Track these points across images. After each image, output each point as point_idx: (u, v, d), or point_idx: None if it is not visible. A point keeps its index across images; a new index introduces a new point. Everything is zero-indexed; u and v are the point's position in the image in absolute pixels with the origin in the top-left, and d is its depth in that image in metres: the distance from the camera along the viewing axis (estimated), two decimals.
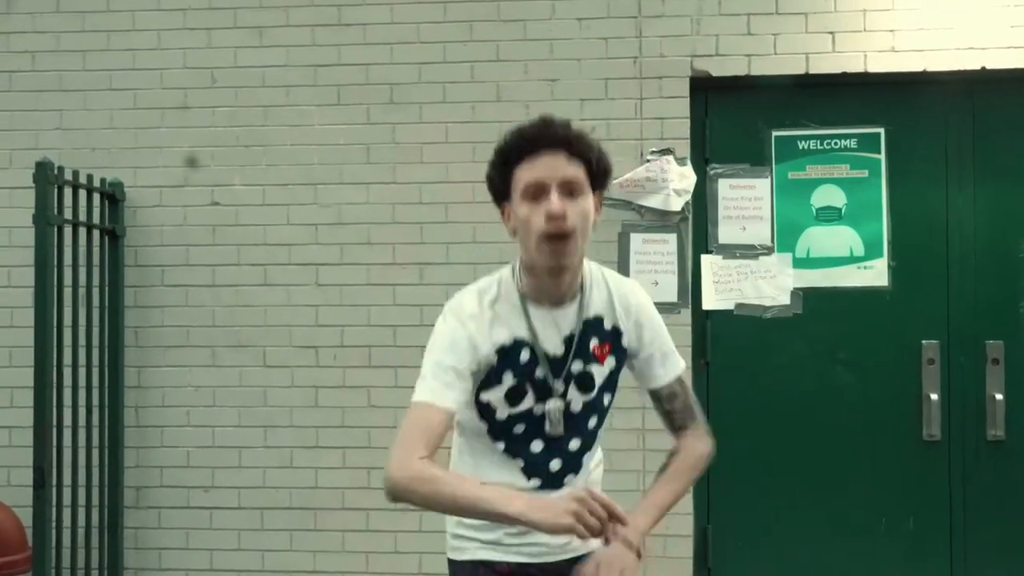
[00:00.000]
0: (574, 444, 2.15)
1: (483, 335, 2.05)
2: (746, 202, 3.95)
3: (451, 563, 2.25)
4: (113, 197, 4.00)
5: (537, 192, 1.97)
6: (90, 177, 3.86)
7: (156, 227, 4.07)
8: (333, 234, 4.00)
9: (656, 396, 2.23)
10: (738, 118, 3.98)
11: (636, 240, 3.89)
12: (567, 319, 2.12)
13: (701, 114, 3.98)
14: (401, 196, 3.97)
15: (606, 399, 2.18)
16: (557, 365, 2.11)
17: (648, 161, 3.86)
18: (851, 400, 3.91)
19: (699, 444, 2.22)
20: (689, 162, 3.87)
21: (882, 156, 3.92)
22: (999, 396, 3.83)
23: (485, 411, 2.12)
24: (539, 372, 2.10)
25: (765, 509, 3.92)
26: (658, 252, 3.88)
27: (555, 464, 2.14)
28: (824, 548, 3.90)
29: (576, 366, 2.12)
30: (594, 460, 2.26)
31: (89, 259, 3.87)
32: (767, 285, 3.92)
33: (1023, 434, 3.85)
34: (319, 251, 4.01)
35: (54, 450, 3.58)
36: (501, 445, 2.14)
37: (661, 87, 3.92)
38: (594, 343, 2.14)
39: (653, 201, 3.85)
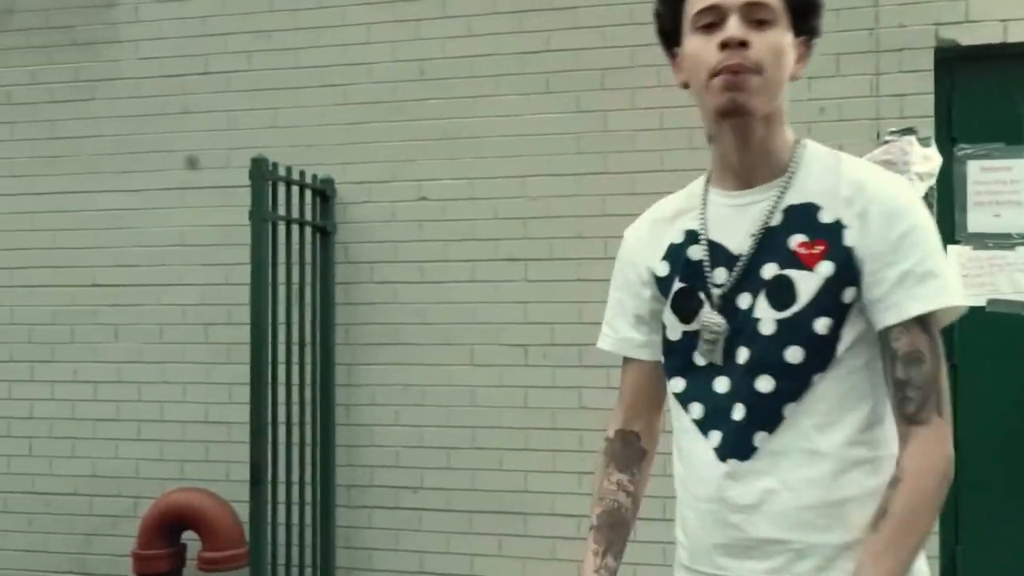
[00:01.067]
0: (764, 384, 1.50)
1: (653, 242, 1.67)
2: (1001, 185, 3.54)
3: None
4: (324, 194, 3.99)
5: (713, 19, 1.50)
6: (302, 174, 3.86)
7: (365, 223, 4.04)
8: (542, 228, 3.85)
9: (888, 352, 1.47)
10: (990, 92, 3.58)
11: None
12: (762, 207, 1.56)
13: (947, 89, 3.58)
14: (613, 187, 3.77)
15: (820, 325, 1.48)
16: (742, 267, 1.55)
17: (887, 143, 3.50)
18: None
19: (930, 465, 1.43)
20: (934, 143, 3.48)
21: None
22: None
23: (663, 337, 1.65)
24: (719, 275, 1.56)
25: (1013, 526, 3.50)
26: None
27: (738, 411, 1.53)
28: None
29: (769, 269, 1.53)
30: (826, 434, 1.49)
31: (301, 256, 3.87)
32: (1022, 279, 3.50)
33: None
34: (528, 246, 3.87)
35: (269, 447, 3.59)
36: (679, 384, 1.62)
37: (901, 60, 3.55)
38: (799, 240, 1.52)
39: None
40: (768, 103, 1.51)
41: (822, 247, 1.50)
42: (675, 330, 1.62)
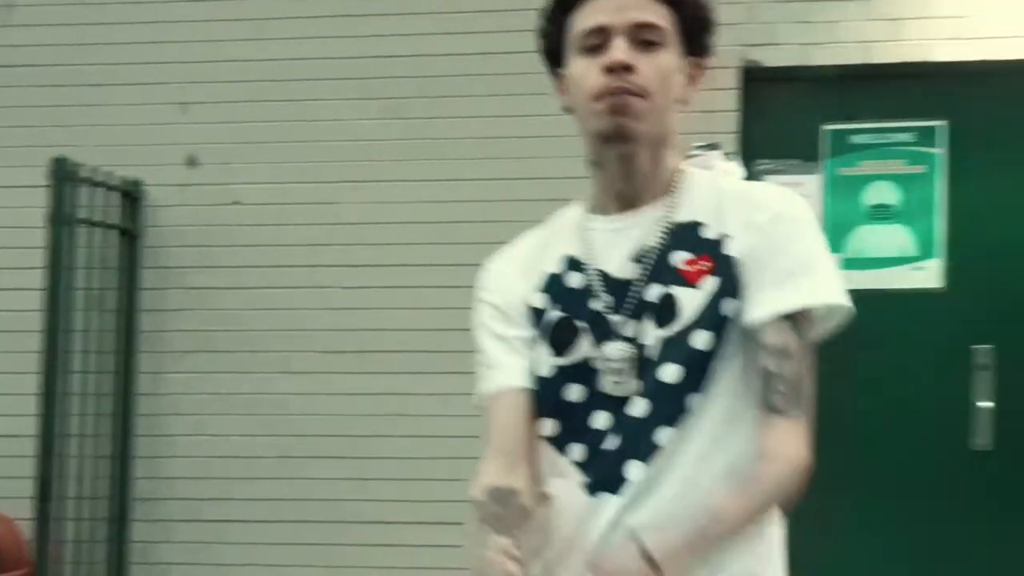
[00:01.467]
0: (638, 408, 1.42)
1: (526, 276, 1.54)
2: None
3: None
4: (131, 196, 3.85)
5: (598, 41, 1.44)
6: (108, 174, 3.71)
7: (175, 227, 3.90)
8: (365, 234, 3.80)
9: (759, 344, 1.43)
10: (788, 111, 3.77)
11: None
12: (644, 229, 1.49)
13: (750, 107, 3.74)
14: (431, 194, 3.76)
15: (700, 340, 1.41)
16: (623, 291, 1.47)
17: (692, 157, 3.61)
18: (898, 408, 3.69)
19: (790, 448, 1.41)
20: (736, 158, 3.62)
21: (942, 151, 3.67)
22: (986, 404, 3.61)
23: (531, 371, 1.51)
24: (595, 303, 1.47)
25: (809, 522, 3.64)
26: None
27: (611, 441, 1.43)
28: (867, 562, 3.67)
29: (653, 291, 1.45)
30: (710, 463, 1.41)
31: (104, 260, 3.73)
32: None
33: (1009, 444, 3.61)
34: (348, 252, 3.81)
35: (60, 461, 3.42)
36: (550, 427, 1.48)
37: (709, 78, 3.66)
38: (683, 257, 1.46)
39: None
40: (653, 128, 1.45)
41: (707, 262, 1.45)
42: (546, 366, 1.49)
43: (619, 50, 1.41)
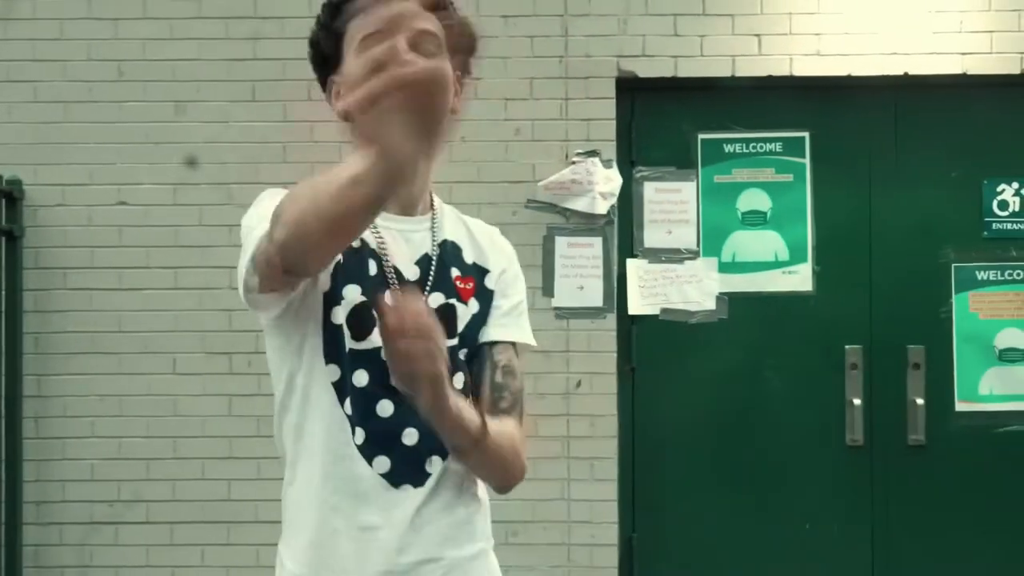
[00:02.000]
0: None
1: None
2: (672, 205, 3.90)
3: None
4: (11, 195, 3.79)
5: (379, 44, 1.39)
6: None
7: (58, 227, 3.87)
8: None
9: (490, 359, 1.63)
10: (664, 120, 3.94)
11: (561, 243, 3.81)
12: (420, 236, 1.62)
13: (627, 116, 3.92)
14: None
15: (462, 355, 1.61)
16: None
17: (574, 163, 3.79)
18: (776, 405, 3.89)
19: (519, 444, 1.62)
20: (615, 165, 3.81)
21: (807, 160, 3.91)
22: (920, 401, 3.85)
23: (335, 343, 1.54)
24: (389, 298, 1.52)
25: (691, 517, 3.88)
26: (583, 256, 3.81)
27: (410, 436, 1.55)
28: (749, 555, 3.87)
29: (436, 298, 1.59)
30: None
31: None
32: (693, 290, 3.88)
33: (943, 439, 3.87)
34: (234, 253, 3.83)
35: None
36: (340, 409, 1.54)
37: (587, 88, 3.85)
38: (455, 273, 1.62)
39: (579, 204, 3.78)
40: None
41: (472, 284, 1.63)
42: (346, 345, 1.54)
43: (402, 47, 1.31)
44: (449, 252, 1.64)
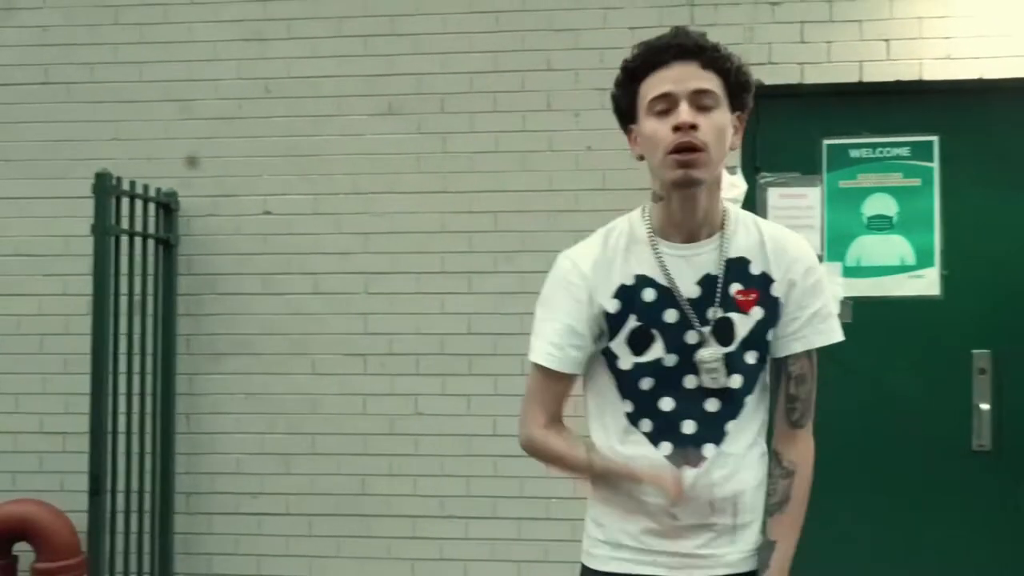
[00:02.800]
0: (711, 404, 1.87)
1: (602, 278, 1.90)
2: (797, 211, 3.92)
3: (584, 569, 2.03)
4: (168, 207, 4.05)
5: (666, 105, 1.79)
6: (145, 187, 3.91)
7: (209, 236, 4.11)
8: (383, 243, 4.02)
9: (784, 372, 1.93)
10: (789, 127, 3.95)
11: None
12: (704, 258, 1.88)
13: (752, 122, 3.91)
14: (451, 205, 3.99)
15: (749, 358, 1.88)
16: (694, 309, 1.87)
17: None
18: (901, 410, 3.86)
19: (810, 459, 1.96)
20: (740, 171, 3.83)
21: (935, 164, 3.87)
22: (985, 406, 3.80)
23: (612, 361, 1.91)
24: (669, 316, 1.87)
25: (815, 520, 3.83)
26: None
27: (688, 426, 1.88)
28: (872, 560, 3.85)
29: (714, 312, 1.87)
30: (745, 441, 1.91)
31: (144, 268, 3.92)
32: None
33: (1007, 444, 3.81)
34: (369, 260, 4.03)
35: (109, 457, 3.63)
36: (629, 406, 1.90)
37: None
38: (736, 288, 1.88)
39: None
40: (712, 174, 1.82)
41: (755, 295, 1.88)
42: (627, 361, 1.89)
43: (685, 112, 1.77)
44: (733, 268, 1.89)
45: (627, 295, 1.88)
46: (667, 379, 1.88)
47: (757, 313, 1.89)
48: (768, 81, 3.87)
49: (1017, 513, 3.80)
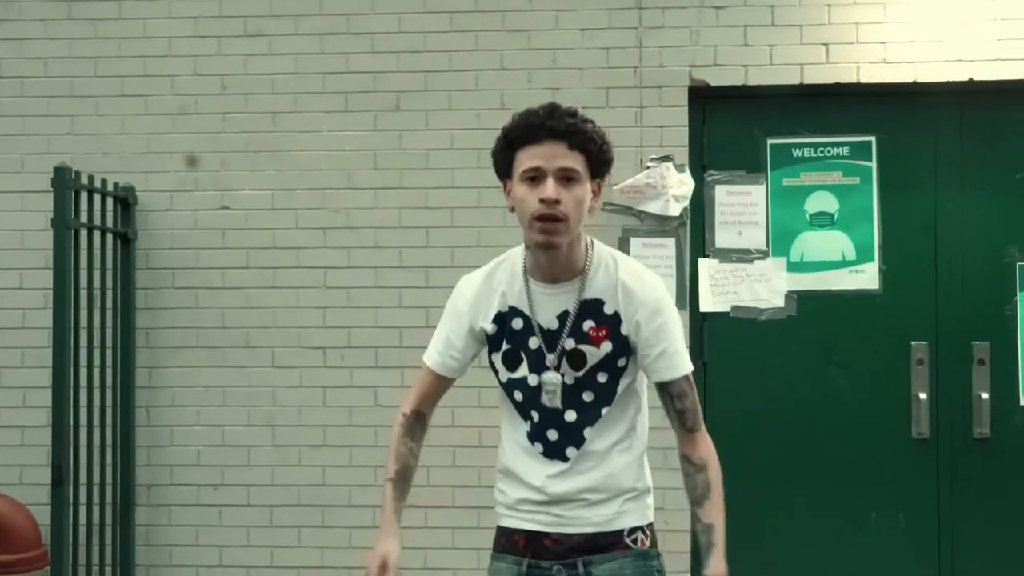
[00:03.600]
0: (570, 416, 2.26)
1: (484, 305, 2.31)
2: (742, 208, 4.06)
3: (497, 528, 2.42)
4: (125, 201, 4.08)
5: (535, 175, 2.11)
6: (103, 182, 3.93)
7: (167, 231, 4.15)
8: (340, 238, 4.10)
9: (664, 391, 2.26)
10: (735, 127, 4.10)
11: (636, 244, 3.99)
12: (563, 298, 2.24)
13: (699, 122, 4.09)
14: (407, 201, 4.07)
15: (601, 378, 2.25)
16: (551, 339, 2.24)
17: (648, 168, 3.98)
18: (843, 400, 4.03)
19: (713, 452, 2.29)
20: (687, 169, 3.98)
21: (873, 164, 4.04)
22: (985, 395, 3.96)
23: (496, 374, 2.33)
24: (532, 342, 2.26)
25: (761, 507, 4.02)
26: (657, 256, 3.98)
27: (552, 434, 2.27)
28: (817, 545, 4.02)
29: (569, 343, 2.23)
30: (607, 441, 2.28)
31: (103, 262, 3.94)
32: (762, 288, 4.04)
33: (1008, 432, 3.99)
34: (326, 254, 4.10)
35: (71, 449, 3.66)
36: (513, 408, 2.33)
37: (661, 96, 4.03)
38: (589, 324, 2.23)
39: (652, 207, 3.97)
40: (569, 237, 2.16)
41: (605, 331, 2.23)
42: (504, 375, 2.32)
43: (551, 188, 2.10)
44: (588, 308, 2.24)
45: (502, 321, 2.28)
46: (532, 395, 2.28)
47: (607, 347, 2.24)
48: (713, 83, 4.03)
49: (953, 497, 3.99)
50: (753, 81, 4.02)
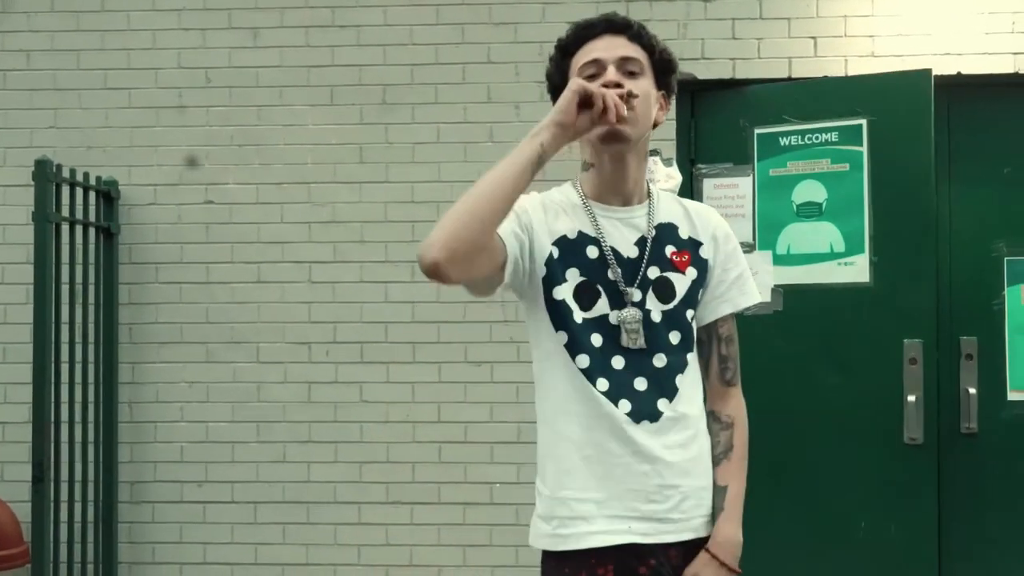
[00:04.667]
0: (659, 361, 1.93)
1: (541, 222, 1.92)
2: (729, 200, 4.02)
3: (545, 555, 1.96)
4: (108, 195, 4.04)
5: (594, 70, 1.89)
6: (86, 175, 3.90)
7: (151, 225, 4.11)
8: (326, 232, 4.07)
9: (713, 333, 2.02)
10: (722, 118, 4.05)
11: None
12: (638, 221, 1.97)
13: (687, 116, 4.07)
14: (393, 195, 4.04)
15: (688, 315, 1.97)
16: (631, 268, 1.94)
17: None
18: (831, 396, 3.86)
19: (744, 413, 2.05)
20: (675, 163, 3.96)
21: (864, 148, 3.83)
22: (973, 390, 3.94)
23: (560, 314, 1.92)
24: (611, 274, 1.93)
25: (748, 508, 3.96)
26: None
27: (640, 383, 1.91)
28: (805, 545, 3.94)
29: (653, 272, 1.95)
30: (697, 400, 1.98)
31: (85, 256, 3.91)
32: None
33: (995, 427, 3.96)
34: (312, 249, 4.07)
35: (52, 445, 3.62)
36: (585, 360, 1.90)
37: None
38: (671, 249, 1.97)
39: None
40: (639, 134, 1.90)
41: (687, 256, 1.98)
42: (577, 315, 1.92)
43: (612, 73, 1.88)
44: (665, 232, 1.98)
45: (569, 248, 1.93)
46: (612, 338, 1.92)
47: (692, 273, 1.98)
48: (701, 76, 4.02)
49: (941, 492, 3.89)
50: (741, 74, 4.01)
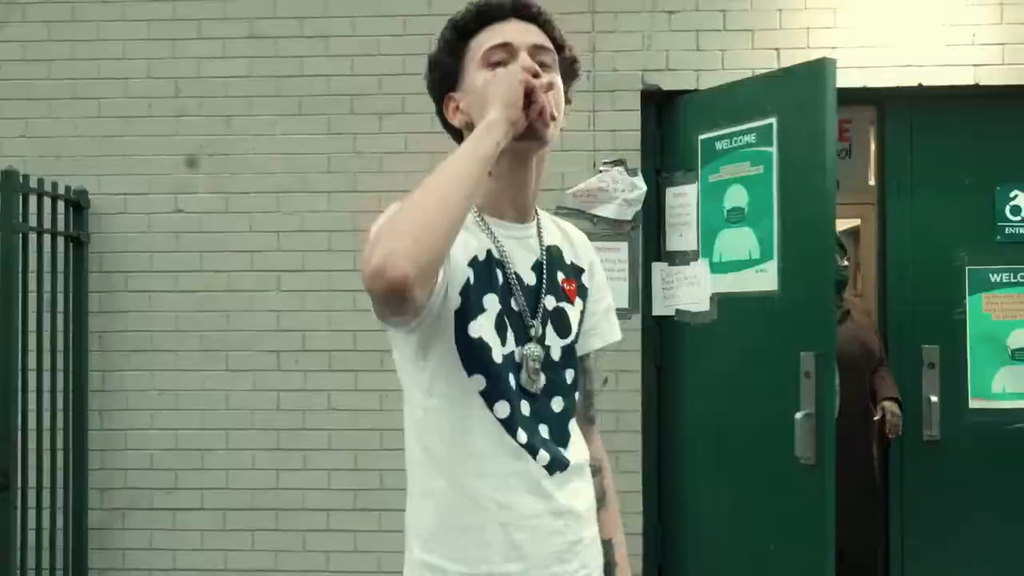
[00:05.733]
0: (557, 404, 1.65)
1: (457, 241, 1.54)
2: (682, 208, 4.01)
3: None
4: (78, 204, 4.07)
5: (504, 55, 1.62)
6: (55, 185, 3.92)
7: (120, 234, 4.14)
8: (295, 241, 4.10)
9: (583, 368, 1.77)
10: (679, 128, 4.06)
11: None
12: (532, 243, 1.68)
13: (652, 126, 4.10)
14: (361, 204, 4.08)
15: (577, 350, 1.73)
16: (532, 297, 1.64)
17: (601, 172, 3.99)
18: (747, 410, 3.68)
19: (605, 453, 1.86)
20: (639, 173, 4.00)
21: (774, 149, 3.59)
22: (935, 398, 3.99)
23: (475, 354, 1.57)
24: (515, 303, 1.62)
25: (711, 509, 4.02)
26: (610, 260, 3.98)
27: (544, 430, 1.63)
28: (769, 543, 3.88)
29: (550, 301, 1.66)
30: (581, 447, 1.73)
31: (54, 266, 3.93)
32: (695, 291, 3.91)
33: (957, 435, 4.01)
34: (281, 258, 4.10)
35: (19, 453, 3.65)
36: (504, 409, 1.58)
37: (614, 100, 4.05)
38: (561, 276, 1.70)
39: (606, 211, 3.98)
40: (555, 136, 1.62)
41: (574, 284, 1.72)
42: (496, 353, 1.58)
43: (527, 60, 1.58)
44: (555, 256, 1.71)
45: (482, 270, 1.61)
46: (517, 379, 1.61)
47: (579, 304, 1.73)
48: (666, 87, 4.05)
49: (903, 498, 4.02)
50: (705, 85, 4.03)
